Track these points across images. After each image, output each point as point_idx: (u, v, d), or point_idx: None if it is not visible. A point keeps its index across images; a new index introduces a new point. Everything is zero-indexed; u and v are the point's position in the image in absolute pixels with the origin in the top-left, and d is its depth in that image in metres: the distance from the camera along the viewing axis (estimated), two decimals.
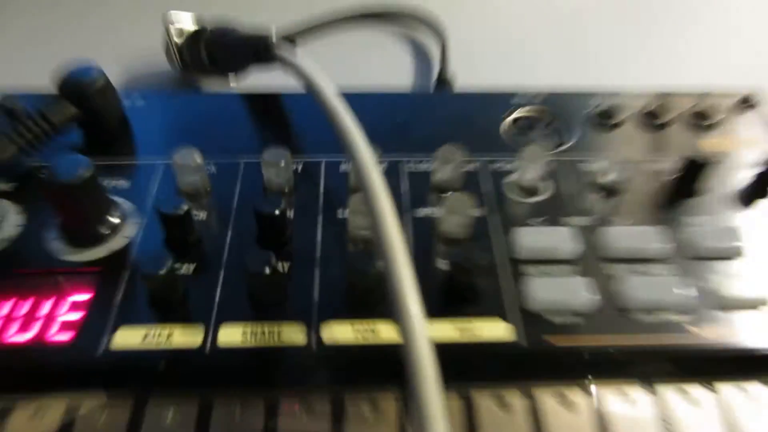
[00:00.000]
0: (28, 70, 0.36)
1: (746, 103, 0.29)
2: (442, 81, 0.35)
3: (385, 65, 0.39)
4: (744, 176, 0.25)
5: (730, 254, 0.22)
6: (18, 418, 0.19)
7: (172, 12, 0.33)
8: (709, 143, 0.27)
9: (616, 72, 0.38)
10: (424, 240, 0.23)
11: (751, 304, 0.21)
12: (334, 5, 0.40)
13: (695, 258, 0.22)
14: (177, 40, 0.33)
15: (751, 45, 0.41)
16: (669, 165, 0.25)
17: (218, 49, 0.31)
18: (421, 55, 0.39)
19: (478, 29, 0.42)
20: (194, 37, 0.32)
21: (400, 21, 0.41)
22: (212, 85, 0.36)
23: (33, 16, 0.43)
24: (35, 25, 0.42)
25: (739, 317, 0.21)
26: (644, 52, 0.41)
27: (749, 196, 0.25)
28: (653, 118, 0.28)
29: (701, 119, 0.28)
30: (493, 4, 0.45)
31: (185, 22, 0.33)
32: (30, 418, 0.19)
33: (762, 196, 0.25)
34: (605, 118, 0.28)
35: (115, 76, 0.29)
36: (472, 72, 0.36)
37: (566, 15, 0.45)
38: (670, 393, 0.20)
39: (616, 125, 0.28)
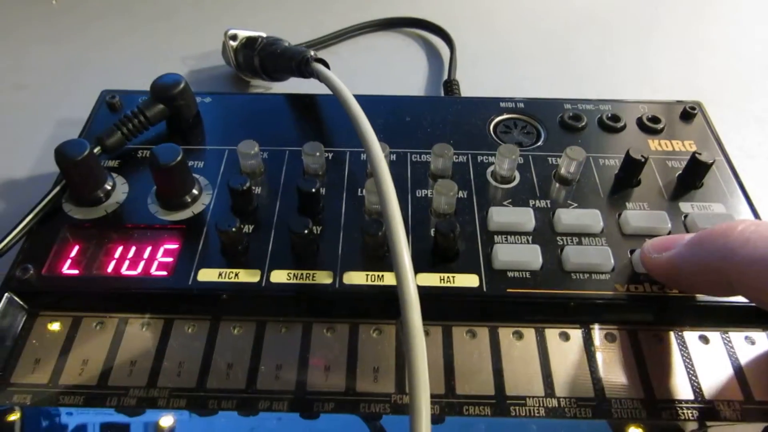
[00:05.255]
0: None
1: (688, 113, 0.36)
2: (449, 85, 0.42)
3: (403, 68, 0.46)
4: (677, 171, 0.32)
5: (657, 233, 0.30)
6: (131, 328, 0.28)
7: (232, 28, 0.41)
8: (655, 144, 0.34)
9: (592, 82, 0.45)
10: (421, 213, 0.30)
11: None
12: (362, 15, 0.48)
13: (625, 235, 0.30)
14: (233, 43, 0.41)
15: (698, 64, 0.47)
16: (618, 161, 0.33)
17: (267, 57, 0.39)
18: (434, 61, 0.46)
19: (482, 41, 0.49)
20: (248, 44, 0.40)
21: (416, 31, 0.49)
22: (258, 85, 0.44)
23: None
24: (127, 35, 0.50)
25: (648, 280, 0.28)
26: (613, 64, 0.48)
27: (677, 188, 0.32)
28: (614, 122, 0.35)
29: (653, 123, 0.35)
30: (496, 21, 0.52)
31: (241, 31, 0.41)
32: (141, 328, 0.27)
33: (693, 187, 0.32)
34: (574, 121, 0.35)
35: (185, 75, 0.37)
36: (474, 77, 0.43)
37: (555, 32, 0.51)
38: (594, 331, 0.27)
39: (582, 128, 0.35)
